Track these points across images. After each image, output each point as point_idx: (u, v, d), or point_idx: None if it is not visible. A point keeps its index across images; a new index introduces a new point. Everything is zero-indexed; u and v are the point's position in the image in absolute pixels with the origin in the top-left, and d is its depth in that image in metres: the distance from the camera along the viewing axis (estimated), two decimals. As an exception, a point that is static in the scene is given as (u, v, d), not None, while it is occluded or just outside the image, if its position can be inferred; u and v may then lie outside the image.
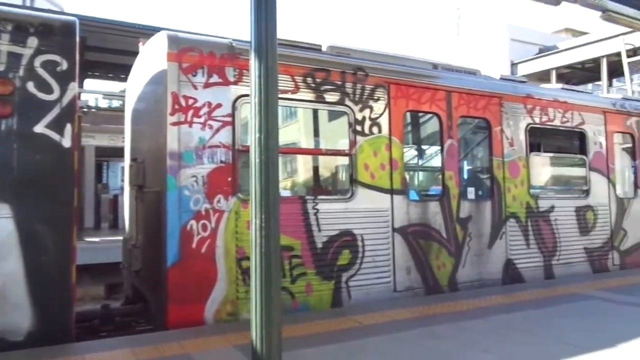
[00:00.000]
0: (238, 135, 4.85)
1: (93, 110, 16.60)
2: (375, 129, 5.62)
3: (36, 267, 3.88)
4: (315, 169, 5.92)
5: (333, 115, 5.54)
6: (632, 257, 7.84)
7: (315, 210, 5.19)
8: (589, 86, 27.38)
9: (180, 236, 4.54)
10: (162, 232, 4.54)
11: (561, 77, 24.93)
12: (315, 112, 5.60)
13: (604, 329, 4.47)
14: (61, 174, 4.07)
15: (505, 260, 6.51)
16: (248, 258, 4.80)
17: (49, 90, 4.05)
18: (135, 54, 6.11)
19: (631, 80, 19.86)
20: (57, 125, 4.06)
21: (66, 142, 4.08)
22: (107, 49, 11.86)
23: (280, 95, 5.05)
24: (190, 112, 4.66)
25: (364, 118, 5.55)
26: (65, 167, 4.08)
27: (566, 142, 7.88)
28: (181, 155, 4.59)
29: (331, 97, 5.38)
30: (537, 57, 25.30)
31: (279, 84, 5.07)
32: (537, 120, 6.98)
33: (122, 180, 14.20)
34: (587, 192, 7.46)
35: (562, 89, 8.05)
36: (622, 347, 3.90)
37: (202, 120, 4.70)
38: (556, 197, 7.27)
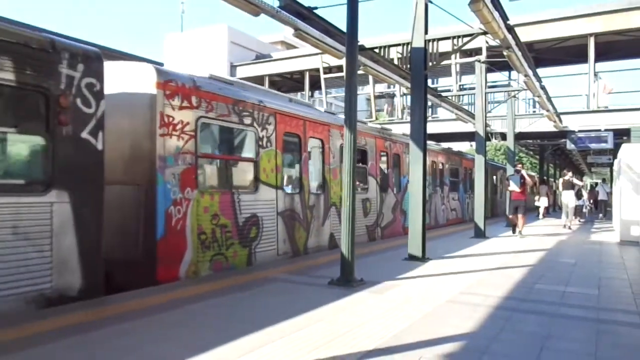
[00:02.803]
0: (198, 145, 6.73)
1: None
2: (268, 144, 8.14)
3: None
4: (238, 171, 8.00)
5: (247, 133, 7.82)
6: (387, 230, 12.34)
7: (238, 200, 7.43)
8: (298, 95, 29.74)
9: (163, 217, 6.22)
10: (150, 214, 6.12)
11: (273, 84, 27.52)
12: (238, 130, 7.75)
13: (276, 306, 5.16)
14: (96, 170, 5.37)
15: (330, 233, 9.86)
16: (204, 232, 6.78)
17: (89, 105, 5.30)
18: None
19: (327, 93, 22.13)
20: (94, 132, 5.34)
21: (99, 146, 5.40)
22: None
23: (222, 118, 7.19)
24: (171, 127, 6.36)
25: (263, 136, 8.01)
26: (99, 165, 5.40)
27: (358, 156, 11.74)
28: (167, 158, 6.27)
29: (247, 120, 7.68)
30: (254, 63, 27.35)
31: (221, 110, 7.14)
32: (345, 141, 10.55)
33: None
34: (367, 189, 11.51)
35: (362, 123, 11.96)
36: (290, 321, 4.53)
37: (177, 133, 6.44)
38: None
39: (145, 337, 4.02)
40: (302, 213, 8.99)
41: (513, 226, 13.88)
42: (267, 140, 8.11)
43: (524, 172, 13.17)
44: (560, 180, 18.40)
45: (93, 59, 5.37)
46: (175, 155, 6.42)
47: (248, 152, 7.89)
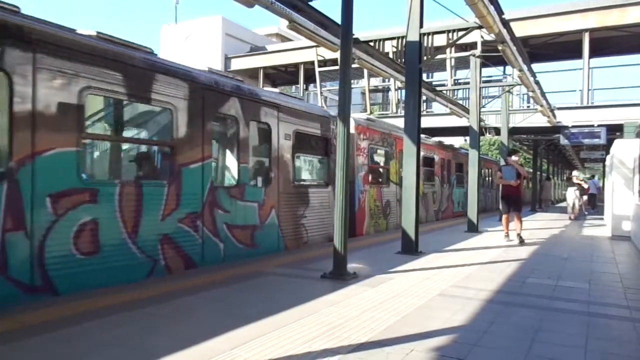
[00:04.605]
0: (368, 160, 11.85)
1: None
2: (393, 157, 13.29)
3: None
4: (382, 174, 13.10)
5: (386, 151, 12.96)
6: (444, 214, 17.59)
7: (382, 191, 12.58)
8: (293, 88, 30.60)
9: (358, 199, 11.36)
10: (353, 197, 11.25)
11: (267, 77, 27.58)
12: (382, 150, 12.86)
13: (269, 299, 5.11)
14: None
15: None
16: (371, 209, 11.93)
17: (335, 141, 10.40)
18: None
19: (322, 87, 22.22)
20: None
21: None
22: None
23: (376, 143, 12.30)
24: (359, 151, 11.48)
25: (390, 153, 13.14)
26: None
27: (429, 163, 16.88)
28: (358, 168, 11.39)
29: (386, 143, 12.80)
30: (248, 55, 26.94)
31: (377, 138, 12.27)
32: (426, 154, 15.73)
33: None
34: (433, 184, 16.71)
35: (426, 137, 17.10)
36: (283, 314, 4.53)
37: (362, 154, 11.56)
38: (426, 187, 16.24)
39: (137, 328, 4.02)
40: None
41: (507, 232, 10.94)
42: (392, 155, 13.26)
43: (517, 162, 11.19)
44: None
45: (334, 118, 10.50)
46: (361, 166, 11.56)
47: (386, 163, 13.07)
